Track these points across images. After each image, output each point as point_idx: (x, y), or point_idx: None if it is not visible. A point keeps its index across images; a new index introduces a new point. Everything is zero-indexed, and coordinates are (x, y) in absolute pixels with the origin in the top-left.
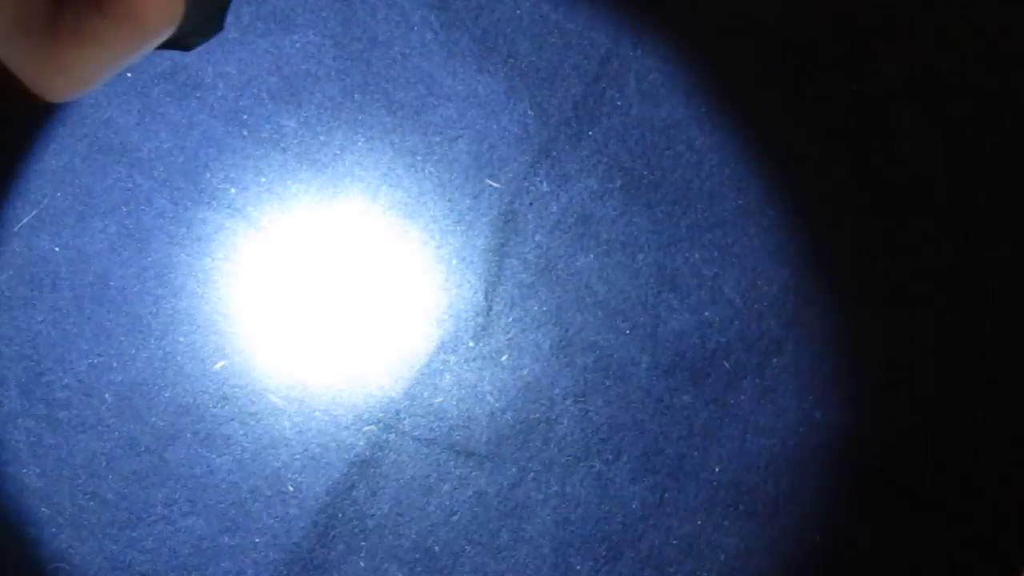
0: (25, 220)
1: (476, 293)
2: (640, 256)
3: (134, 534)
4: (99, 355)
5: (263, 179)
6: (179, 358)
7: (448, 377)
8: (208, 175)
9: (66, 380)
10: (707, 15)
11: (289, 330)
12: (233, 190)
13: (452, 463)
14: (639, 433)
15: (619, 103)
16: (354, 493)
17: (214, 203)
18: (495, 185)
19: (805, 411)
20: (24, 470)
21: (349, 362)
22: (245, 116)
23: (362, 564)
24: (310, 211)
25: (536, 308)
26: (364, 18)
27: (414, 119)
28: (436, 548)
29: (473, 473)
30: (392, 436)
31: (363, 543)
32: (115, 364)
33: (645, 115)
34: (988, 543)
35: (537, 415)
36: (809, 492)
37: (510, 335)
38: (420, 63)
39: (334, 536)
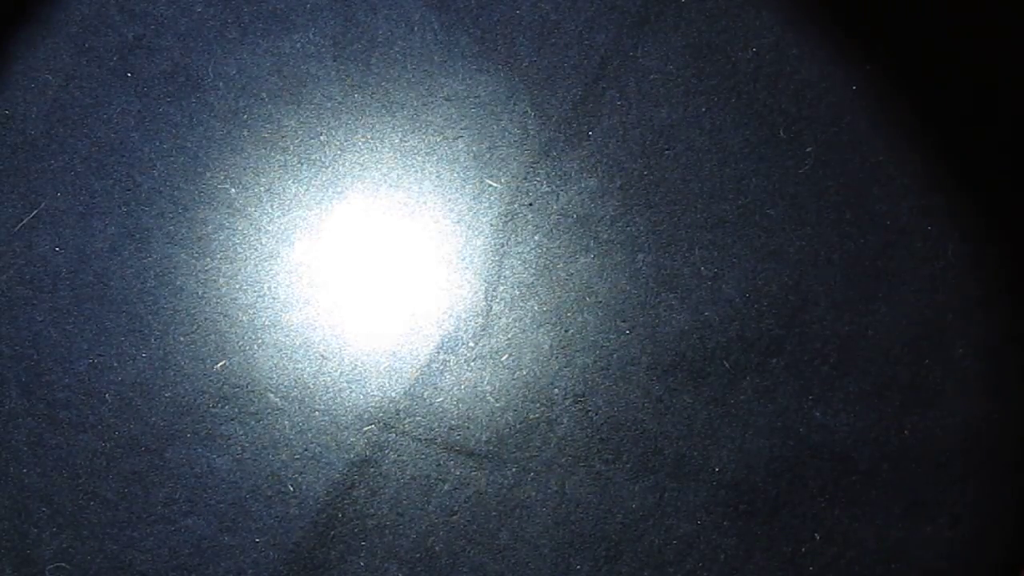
0: (25, 220)
1: (476, 293)
2: (640, 256)
3: (134, 534)
4: (99, 355)
5: (263, 179)
6: (179, 358)
7: (448, 377)
8: (208, 175)
9: (66, 380)
10: (707, 17)
11: (289, 330)
12: (233, 190)
13: (452, 463)
14: (639, 433)
15: (619, 103)
16: (354, 493)
17: (214, 203)
18: (495, 185)
19: (805, 411)
20: (25, 470)
21: (349, 362)
22: (245, 116)
23: (362, 564)
24: (310, 211)
25: (536, 308)
26: (364, 18)
27: (414, 119)
28: (436, 548)
29: (473, 473)
30: (392, 436)
31: (363, 543)
32: (115, 364)
33: (645, 115)
34: (988, 543)
35: (537, 415)
36: (809, 492)
37: (510, 335)
38: (420, 63)
39: (334, 536)
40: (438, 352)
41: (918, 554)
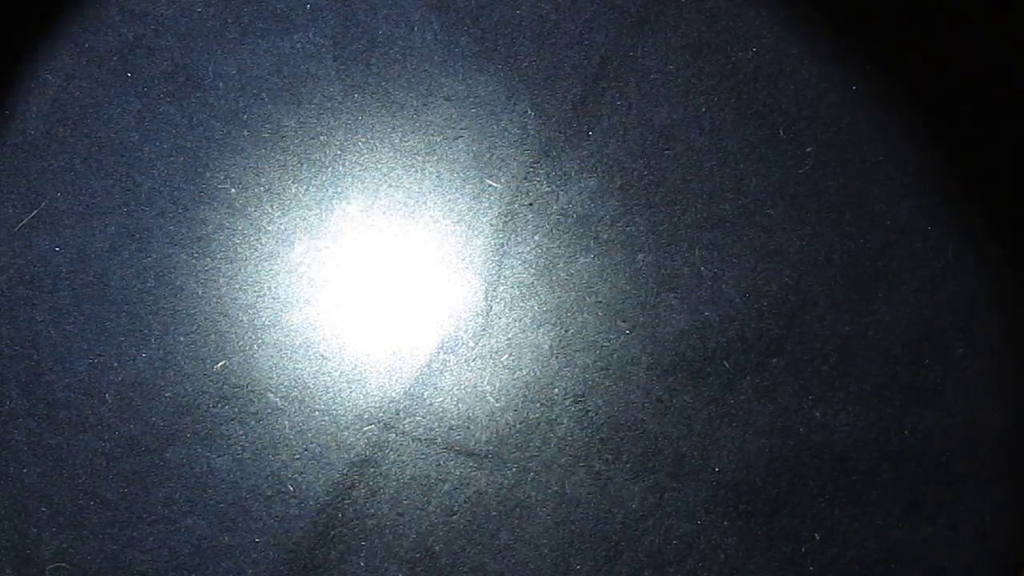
0: (25, 220)
1: (476, 293)
2: (640, 256)
3: (134, 534)
4: (99, 355)
5: (263, 179)
6: (179, 358)
7: (448, 377)
8: (208, 175)
9: (66, 380)
10: (707, 17)
11: (289, 330)
12: (233, 190)
13: (452, 463)
14: (639, 433)
15: (619, 103)
16: (354, 493)
17: (214, 203)
18: (495, 185)
19: (805, 411)
20: (25, 470)
21: (349, 362)
22: (245, 116)
23: (362, 564)
24: (310, 211)
25: (536, 308)
26: (364, 18)
27: (414, 119)
28: (436, 548)
29: (473, 473)
30: (392, 436)
31: (363, 543)
32: (115, 364)
33: (645, 115)
34: (988, 543)
35: (537, 415)
36: (809, 492)
37: (510, 335)
38: (420, 63)
39: (334, 536)
40: (438, 352)
41: (918, 554)
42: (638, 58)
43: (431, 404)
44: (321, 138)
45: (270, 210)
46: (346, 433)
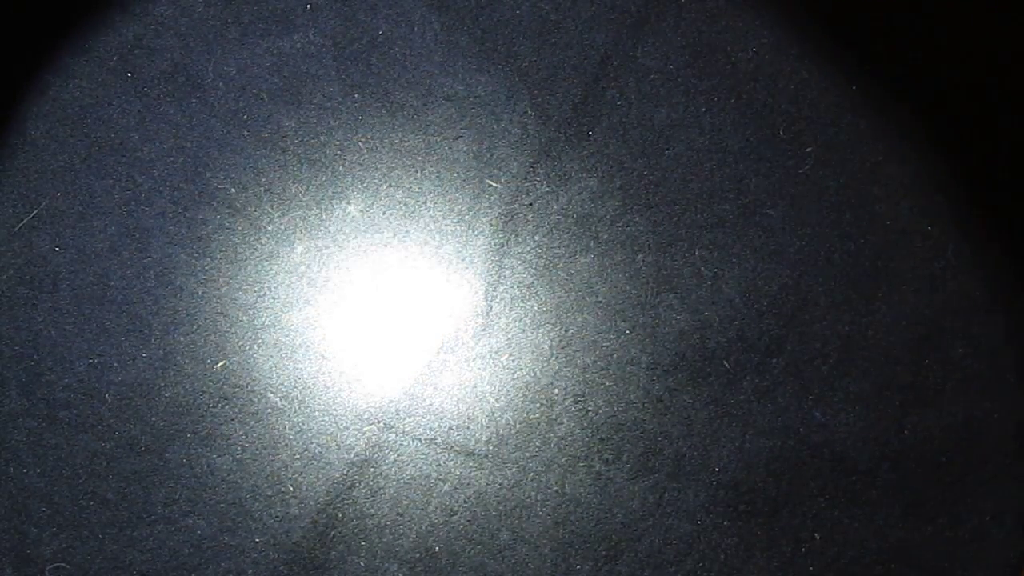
0: (25, 220)
1: (476, 293)
2: (640, 256)
3: (134, 534)
4: (99, 355)
5: (263, 179)
6: (179, 358)
7: (448, 377)
8: (208, 175)
9: (66, 380)
10: (707, 17)
11: (289, 330)
12: (233, 190)
13: (452, 463)
14: (639, 433)
15: (619, 103)
16: (354, 493)
17: (214, 203)
18: (495, 185)
19: (805, 411)
20: (25, 470)
21: (349, 362)
22: (245, 116)
23: (362, 564)
24: (310, 211)
25: (536, 308)
26: (364, 18)
27: (414, 119)
28: (436, 548)
29: (473, 473)
30: (392, 436)
31: (363, 543)
32: (115, 364)
33: (645, 115)
34: (988, 543)
35: (537, 415)
36: (809, 492)
37: (510, 335)
38: (420, 63)
39: (334, 536)
40: (438, 352)
41: (918, 554)
42: (638, 58)
43: (431, 404)
44: (321, 138)
45: (270, 210)
46: (346, 433)
